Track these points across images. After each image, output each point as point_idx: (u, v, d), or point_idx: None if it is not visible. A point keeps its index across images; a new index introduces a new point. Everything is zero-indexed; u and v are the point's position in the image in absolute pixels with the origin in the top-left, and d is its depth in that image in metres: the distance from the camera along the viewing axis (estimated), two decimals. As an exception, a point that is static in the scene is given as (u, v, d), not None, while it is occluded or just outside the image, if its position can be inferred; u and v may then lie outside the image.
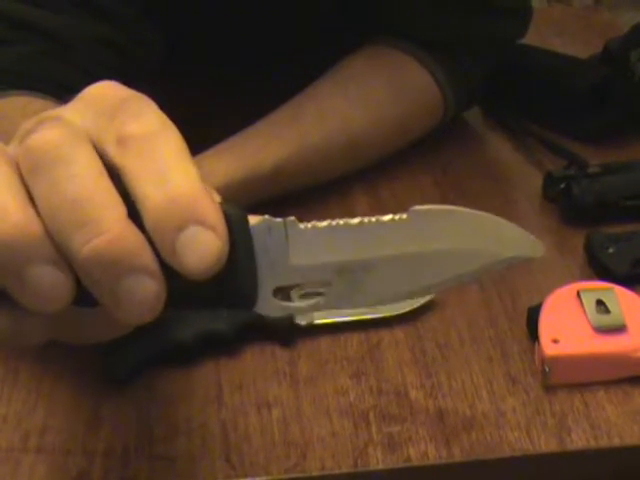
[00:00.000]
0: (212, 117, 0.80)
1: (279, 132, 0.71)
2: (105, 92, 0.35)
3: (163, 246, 0.31)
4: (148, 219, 0.31)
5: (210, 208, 0.32)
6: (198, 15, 0.79)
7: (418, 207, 0.36)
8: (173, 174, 0.32)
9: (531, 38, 0.84)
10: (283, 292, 0.38)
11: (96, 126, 0.33)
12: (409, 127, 0.79)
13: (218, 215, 0.32)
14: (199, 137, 0.69)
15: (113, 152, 0.32)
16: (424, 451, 0.52)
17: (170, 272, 0.32)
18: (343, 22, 0.82)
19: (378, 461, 0.52)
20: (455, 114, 0.82)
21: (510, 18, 0.80)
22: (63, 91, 0.62)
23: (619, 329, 0.57)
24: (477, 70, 0.80)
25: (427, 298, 0.61)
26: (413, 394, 0.56)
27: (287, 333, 0.60)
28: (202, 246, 0.31)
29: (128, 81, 0.66)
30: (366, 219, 0.36)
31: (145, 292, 0.32)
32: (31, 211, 0.31)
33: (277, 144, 0.70)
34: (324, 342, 0.60)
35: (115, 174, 0.33)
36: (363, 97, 0.76)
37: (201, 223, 0.31)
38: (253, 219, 0.35)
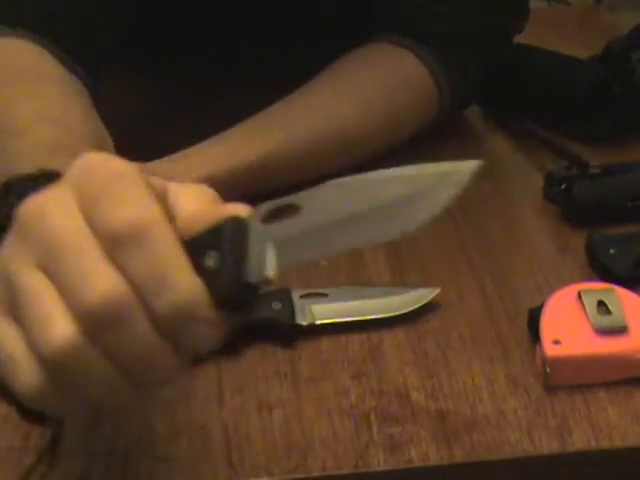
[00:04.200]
0: (209, 116, 0.79)
1: (266, 126, 0.72)
2: (89, 171, 0.37)
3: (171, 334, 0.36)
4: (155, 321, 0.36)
5: (206, 307, 0.36)
6: (197, 11, 0.79)
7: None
8: (173, 280, 0.35)
9: (531, 38, 0.84)
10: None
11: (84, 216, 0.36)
12: (402, 120, 0.78)
13: (212, 312, 0.36)
14: (195, 133, 0.70)
15: (109, 250, 0.35)
16: (425, 452, 0.52)
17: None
18: (341, 20, 0.82)
19: (379, 462, 0.52)
20: (452, 110, 0.81)
21: (506, 12, 0.80)
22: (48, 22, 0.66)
23: (620, 330, 0.56)
24: (474, 64, 0.80)
25: (429, 298, 0.61)
26: (414, 395, 0.56)
27: (288, 334, 0.60)
28: (202, 339, 0.37)
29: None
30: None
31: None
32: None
33: (263, 137, 0.70)
34: (325, 343, 0.60)
35: None
36: (352, 89, 0.76)
37: (200, 322, 0.36)
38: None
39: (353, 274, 0.66)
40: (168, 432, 0.54)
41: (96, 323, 0.35)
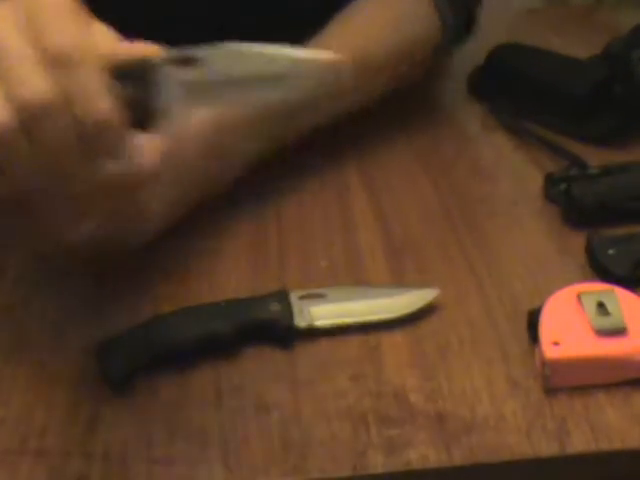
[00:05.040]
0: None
1: None
2: None
3: None
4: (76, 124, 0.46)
5: (119, 123, 0.46)
6: None
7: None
8: (97, 98, 0.45)
9: (531, 38, 0.84)
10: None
11: None
12: (406, 51, 0.79)
13: (122, 130, 0.47)
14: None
15: (48, 64, 0.44)
16: (424, 455, 0.52)
17: None
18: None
19: (377, 464, 0.51)
20: (454, 38, 0.82)
21: None
22: None
23: (620, 331, 0.56)
24: None
25: (428, 299, 0.61)
26: (413, 397, 0.56)
27: (286, 335, 0.59)
28: (110, 150, 0.47)
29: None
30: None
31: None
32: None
33: None
34: (323, 344, 0.60)
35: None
36: (361, 27, 0.77)
37: (112, 135, 0.46)
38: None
39: (352, 275, 0.66)
40: (165, 434, 0.53)
41: (29, 115, 0.44)
